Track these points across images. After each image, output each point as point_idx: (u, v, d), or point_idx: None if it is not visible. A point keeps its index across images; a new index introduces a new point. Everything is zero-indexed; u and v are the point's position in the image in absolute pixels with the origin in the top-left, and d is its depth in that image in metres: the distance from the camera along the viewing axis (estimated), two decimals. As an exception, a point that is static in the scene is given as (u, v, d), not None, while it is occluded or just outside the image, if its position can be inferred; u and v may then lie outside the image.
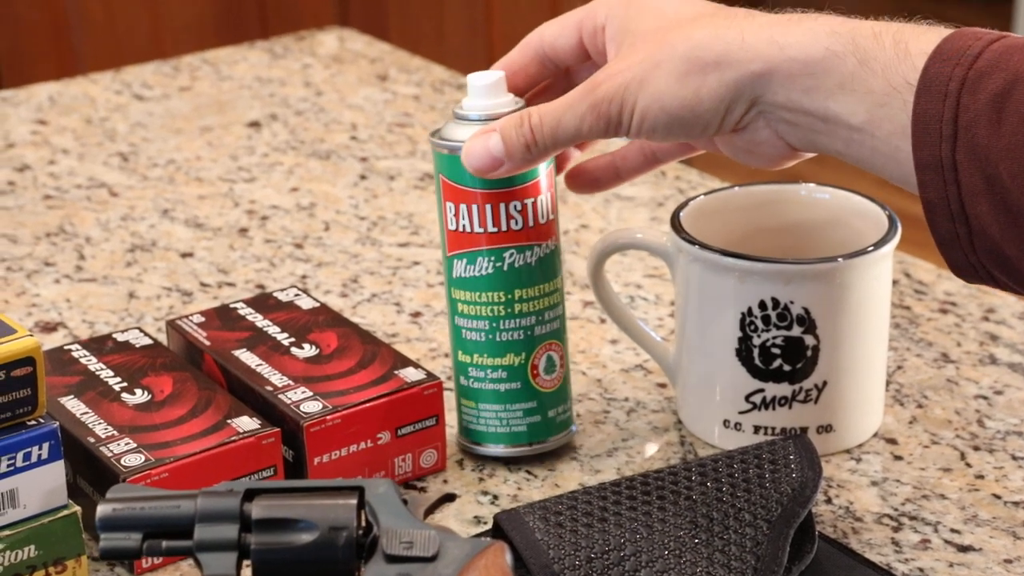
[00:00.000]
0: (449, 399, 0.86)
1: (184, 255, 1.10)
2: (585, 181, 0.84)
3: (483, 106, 0.80)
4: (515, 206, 0.80)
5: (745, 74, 0.71)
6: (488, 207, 0.80)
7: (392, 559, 0.63)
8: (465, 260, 0.82)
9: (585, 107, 0.74)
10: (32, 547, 0.74)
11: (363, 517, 0.64)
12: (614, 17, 0.77)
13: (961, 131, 0.66)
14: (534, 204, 0.81)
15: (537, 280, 0.82)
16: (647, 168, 0.83)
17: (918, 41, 0.68)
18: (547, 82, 0.82)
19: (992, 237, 0.67)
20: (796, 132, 0.72)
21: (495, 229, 0.81)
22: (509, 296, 0.82)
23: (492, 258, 0.81)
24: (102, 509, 0.64)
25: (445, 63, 1.51)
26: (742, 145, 0.75)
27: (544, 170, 0.81)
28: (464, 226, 0.81)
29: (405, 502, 0.64)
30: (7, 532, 0.73)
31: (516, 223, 0.81)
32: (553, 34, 0.80)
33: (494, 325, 0.82)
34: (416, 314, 1.02)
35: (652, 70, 0.72)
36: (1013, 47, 0.66)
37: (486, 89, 0.80)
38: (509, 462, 0.85)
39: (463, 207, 0.81)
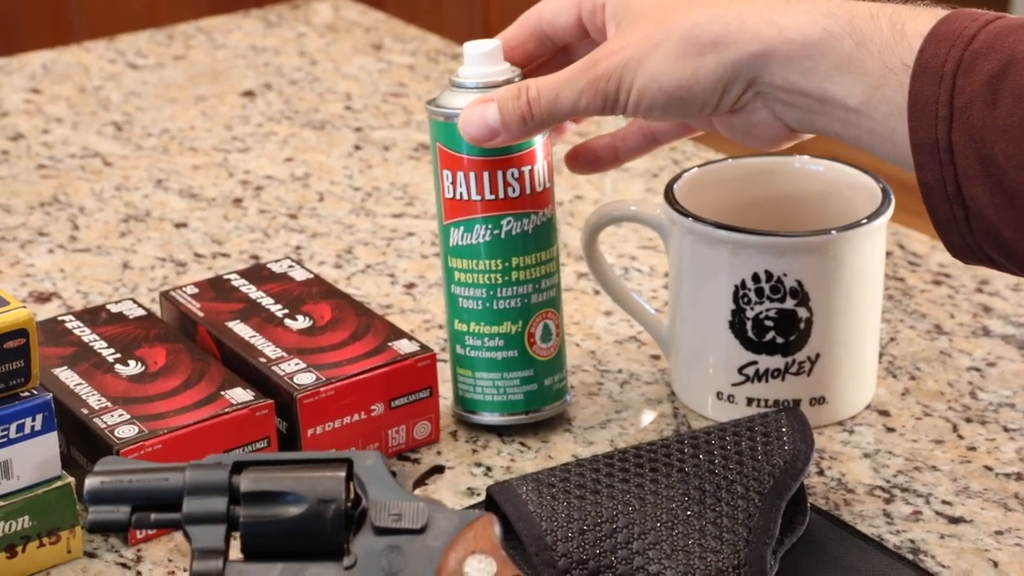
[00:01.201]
0: (443, 371, 0.86)
1: (178, 225, 1.10)
2: (585, 161, 0.84)
3: (479, 74, 0.80)
4: (512, 173, 0.80)
5: (743, 55, 0.71)
6: (485, 174, 0.80)
7: (380, 531, 0.63)
8: (462, 228, 0.82)
9: (583, 83, 0.74)
10: (26, 518, 0.74)
11: (351, 489, 0.64)
12: None
13: (957, 112, 0.66)
14: (531, 172, 0.81)
15: (534, 248, 0.82)
16: (647, 149, 0.83)
17: (914, 22, 0.68)
18: (545, 58, 0.82)
19: (988, 219, 0.66)
20: (793, 113, 0.72)
21: (492, 196, 0.81)
22: (506, 264, 0.82)
23: (489, 225, 0.81)
24: (90, 482, 0.64)
25: (442, 34, 1.50)
26: (740, 126, 0.74)
27: (540, 138, 0.81)
28: (461, 194, 0.81)
29: (394, 474, 0.64)
30: (1, 503, 0.73)
31: (513, 190, 0.81)
32: (552, 11, 0.80)
33: (491, 293, 0.82)
34: (410, 285, 1.02)
35: (651, 49, 0.72)
36: (1008, 28, 0.66)
37: (482, 57, 0.80)
38: (503, 433, 0.85)
39: (460, 175, 0.80)
